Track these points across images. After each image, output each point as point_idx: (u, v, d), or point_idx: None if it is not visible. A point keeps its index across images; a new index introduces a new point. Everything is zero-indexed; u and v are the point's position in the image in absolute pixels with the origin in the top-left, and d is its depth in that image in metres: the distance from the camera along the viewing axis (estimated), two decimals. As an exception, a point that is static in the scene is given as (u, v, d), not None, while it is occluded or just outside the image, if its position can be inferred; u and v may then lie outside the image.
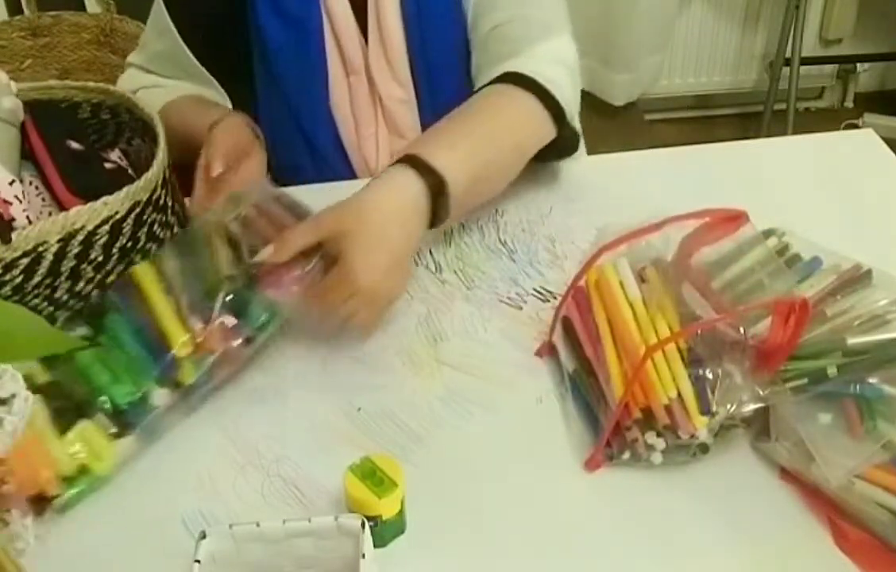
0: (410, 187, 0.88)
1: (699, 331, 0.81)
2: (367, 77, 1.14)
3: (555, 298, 0.97)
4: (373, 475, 0.73)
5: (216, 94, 1.17)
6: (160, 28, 1.16)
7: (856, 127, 2.67)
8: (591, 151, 1.29)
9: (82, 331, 0.85)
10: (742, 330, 0.79)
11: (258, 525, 0.67)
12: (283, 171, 1.13)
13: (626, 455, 0.80)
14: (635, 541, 0.76)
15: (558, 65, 1.04)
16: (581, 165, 1.16)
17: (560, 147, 1.06)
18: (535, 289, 0.99)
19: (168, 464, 0.83)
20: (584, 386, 0.85)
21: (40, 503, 0.76)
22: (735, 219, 0.86)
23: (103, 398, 0.81)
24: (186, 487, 0.81)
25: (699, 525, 0.77)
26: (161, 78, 1.18)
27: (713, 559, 0.75)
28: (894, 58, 2.86)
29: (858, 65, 2.85)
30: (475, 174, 0.93)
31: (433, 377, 0.90)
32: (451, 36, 1.12)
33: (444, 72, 1.14)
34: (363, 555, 0.64)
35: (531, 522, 0.78)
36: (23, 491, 0.73)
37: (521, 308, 0.97)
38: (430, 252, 1.04)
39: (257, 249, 0.87)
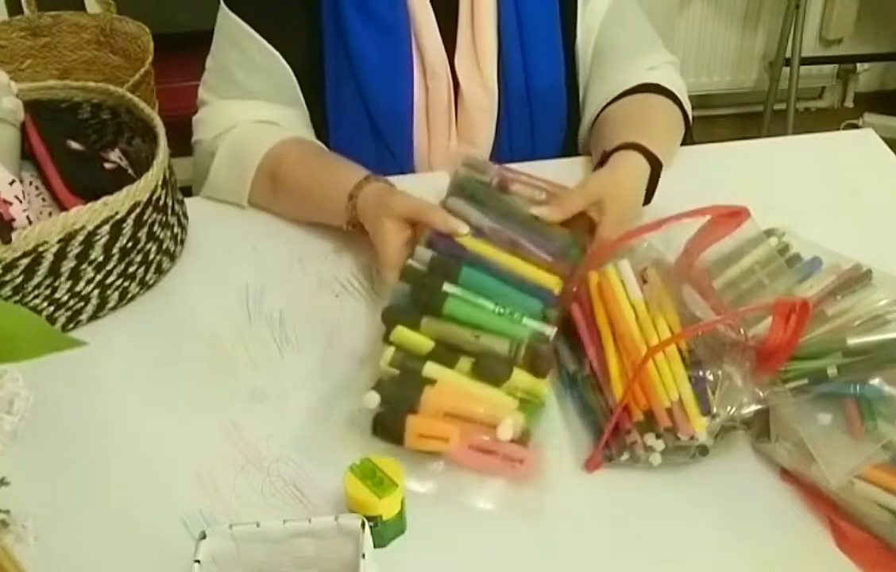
0: (644, 168, 1.03)
1: (700, 333, 0.81)
2: (450, 83, 1.15)
3: (555, 298, 0.97)
4: (373, 475, 0.73)
5: (293, 109, 1.14)
6: (235, 40, 1.11)
7: (856, 127, 2.67)
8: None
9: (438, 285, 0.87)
10: (742, 331, 0.79)
11: (258, 525, 0.67)
12: None
13: (625, 456, 0.80)
14: (635, 542, 0.76)
15: (677, 78, 1.19)
16: (581, 165, 1.16)
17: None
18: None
19: (168, 464, 0.83)
20: (584, 386, 0.85)
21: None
22: (736, 215, 0.85)
23: (516, 342, 0.83)
24: (186, 487, 0.81)
25: (699, 526, 0.77)
26: (252, 102, 1.12)
27: (713, 560, 0.75)
28: (894, 58, 2.86)
29: (858, 65, 2.85)
30: (665, 164, 1.07)
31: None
32: (554, 74, 1.18)
33: (548, 94, 1.19)
34: (363, 555, 0.64)
35: (531, 522, 0.78)
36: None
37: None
38: (430, 252, 1.04)
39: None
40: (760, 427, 0.81)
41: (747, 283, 0.85)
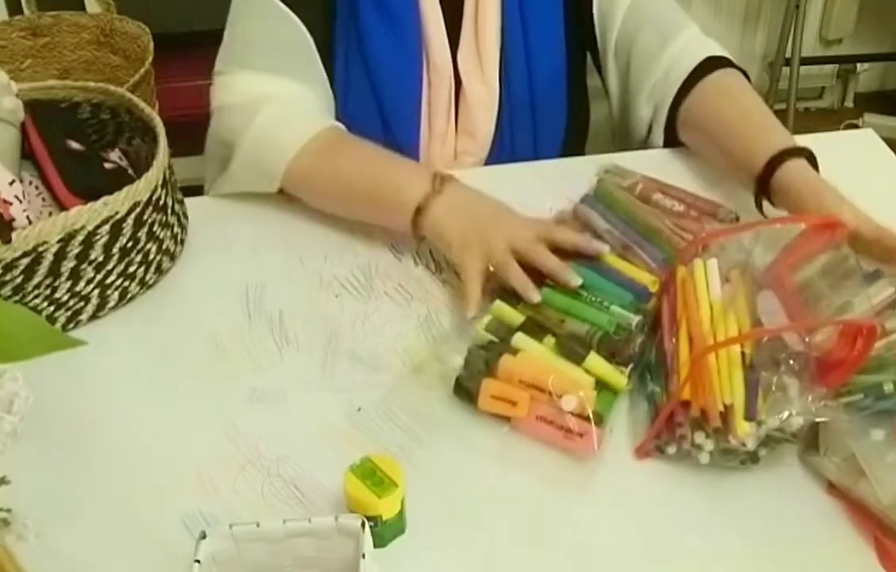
0: (807, 166, 0.99)
1: (764, 339, 0.80)
2: (451, 78, 1.15)
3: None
4: (373, 475, 0.73)
5: (318, 85, 1.13)
6: (257, 10, 1.10)
7: (856, 127, 2.67)
8: (590, 151, 1.29)
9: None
10: (807, 340, 0.78)
11: (258, 525, 0.67)
12: None
13: (673, 448, 0.79)
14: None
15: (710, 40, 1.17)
16: (581, 165, 1.17)
17: None
18: (535, 289, 0.99)
19: (168, 464, 0.83)
20: (655, 376, 0.85)
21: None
22: (832, 227, 0.85)
23: (595, 328, 0.87)
24: (186, 487, 0.81)
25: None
26: (281, 78, 1.08)
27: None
28: (894, 58, 2.86)
29: (858, 65, 2.85)
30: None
31: (433, 377, 0.90)
32: (556, 54, 1.18)
33: (549, 82, 1.19)
34: (363, 555, 0.64)
35: (532, 522, 0.78)
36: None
37: (521, 308, 0.97)
38: (431, 252, 1.04)
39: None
40: (809, 439, 0.79)
41: (807, 293, 0.83)
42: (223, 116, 1.10)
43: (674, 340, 0.84)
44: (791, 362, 0.78)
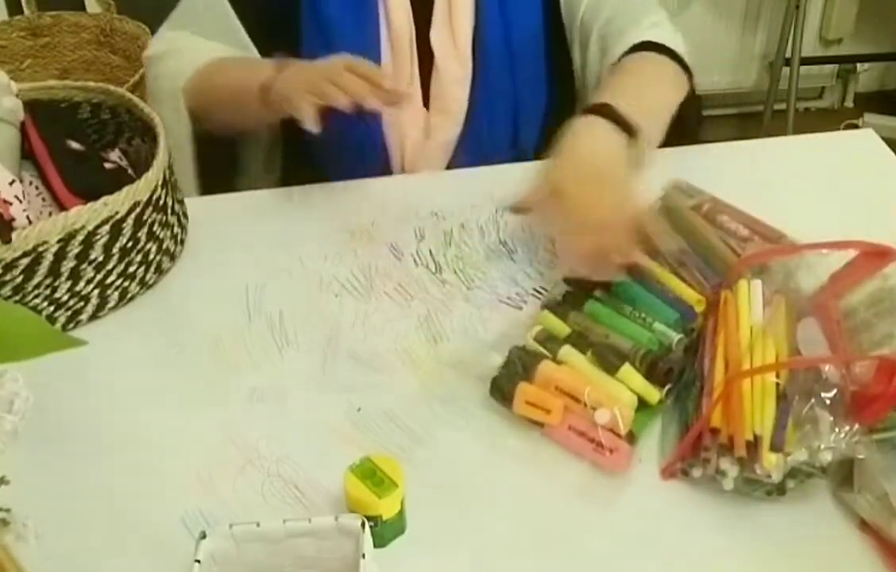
0: (611, 136, 0.92)
1: (796, 368, 0.79)
2: (412, 35, 1.15)
3: (555, 298, 0.97)
4: (373, 475, 0.73)
5: (239, 50, 1.17)
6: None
7: (856, 127, 2.66)
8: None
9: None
10: (844, 372, 0.76)
11: (258, 525, 0.67)
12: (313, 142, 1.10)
13: (698, 472, 0.77)
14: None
15: (674, 33, 1.13)
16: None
17: (686, 121, 1.11)
18: (534, 289, 0.99)
19: (168, 464, 0.83)
20: (690, 396, 0.83)
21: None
22: (883, 254, 0.84)
23: (638, 345, 0.86)
24: (186, 487, 0.81)
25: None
26: (199, 38, 1.17)
27: None
28: (894, 58, 2.86)
29: (858, 65, 2.85)
30: (652, 131, 0.99)
31: (433, 377, 0.90)
32: (534, 21, 1.17)
33: (526, 55, 1.18)
34: (363, 555, 0.64)
35: (532, 523, 0.78)
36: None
37: (521, 308, 0.97)
38: (430, 252, 1.04)
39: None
40: (843, 474, 0.77)
41: (852, 322, 0.81)
42: (149, 67, 1.20)
43: (710, 361, 0.83)
44: (823, 395, 0.76)
